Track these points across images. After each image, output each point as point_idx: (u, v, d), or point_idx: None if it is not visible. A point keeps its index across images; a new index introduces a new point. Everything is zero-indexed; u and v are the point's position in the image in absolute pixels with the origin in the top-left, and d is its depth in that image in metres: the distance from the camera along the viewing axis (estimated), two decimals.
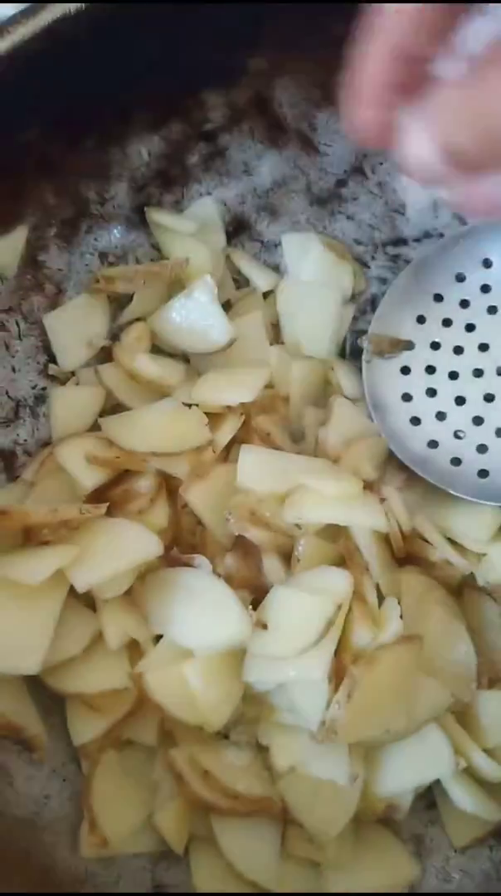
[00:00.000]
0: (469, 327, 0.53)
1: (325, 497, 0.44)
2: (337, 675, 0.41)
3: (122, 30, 0.43)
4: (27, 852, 0.37)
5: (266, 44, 0.48)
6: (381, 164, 0.53)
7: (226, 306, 0.53)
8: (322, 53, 0.48)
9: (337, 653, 0.42)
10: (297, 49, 0.48)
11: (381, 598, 0.44)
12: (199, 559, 0.45)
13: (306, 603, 0.42)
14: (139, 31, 0.43)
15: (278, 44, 0.48)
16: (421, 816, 0.46)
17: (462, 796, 0.43)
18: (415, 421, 0.53)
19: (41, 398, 0.50)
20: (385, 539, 0.47)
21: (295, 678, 0.41)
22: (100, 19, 0.42)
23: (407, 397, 0.53)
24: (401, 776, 0.43)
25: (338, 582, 0.43)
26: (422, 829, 0.45)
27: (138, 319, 0.52)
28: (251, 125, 0.51)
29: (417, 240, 0.56)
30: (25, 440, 0.49)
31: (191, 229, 0.51)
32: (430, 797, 0.46)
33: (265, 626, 0.42)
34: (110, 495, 0.46)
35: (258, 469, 0.46)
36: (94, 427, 0.49)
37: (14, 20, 0.40)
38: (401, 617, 0.43)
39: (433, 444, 0.52)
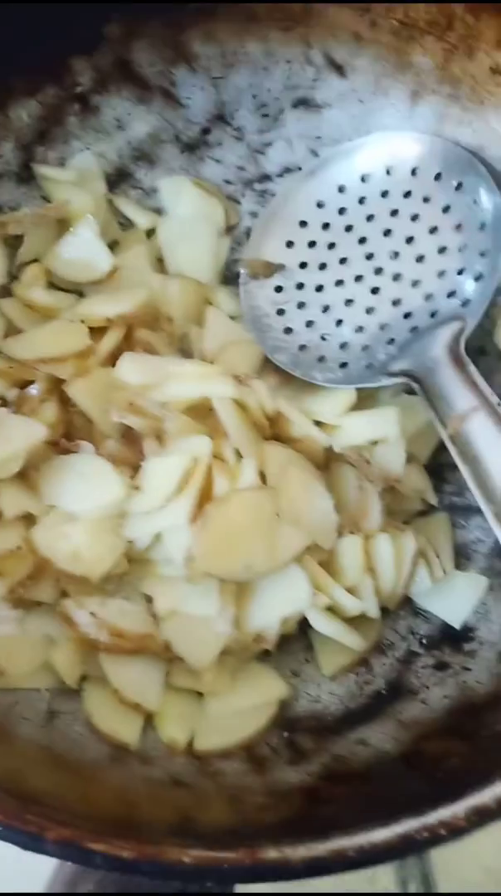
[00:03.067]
0: (331, 245, 0.60)
1: (185, 376, 0.51)
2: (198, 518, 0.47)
3: None
4: None
5: (116, 12, 0.56)
6: (237, 110, 0.61)
7: (114, 246, 0.61)
8: (168, 16, 0.57)
9: (201, 504, 0.48)
10: (144, 14, 0.56)
11: None
12: (84, 444, 0.52)
13: (169, 462, 0.49)
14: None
15: (127, 11, 0.56)
16: (298, 656, 0.51)
17: (328, 625, 0.49)
18: (288, 330, 0.60)
19: None
20: (250, 419, 0.53)
21: (164, 525, 0.48)
22: None
23: (281, 312, 0.60)
24: (267, 609, 0.48)
25: (199, 444, 0.49)
26: (299, 666, 0.51)
27: (34, 261, 0.60)
28: (118, 86, 0.59)
29: (280, 175, 0.63)
30: None
31: (70, 178, 0.59)
32: (307, 641, 0.52)
33: (138, 489, 0.49)
34: (9, 402, 0.54)
35: (135, 367, 0.53)
36: None
37: None
38: (264, 480, 0.50)
39: (302, 347, 0.59)
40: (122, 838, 0.34)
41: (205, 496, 0.48)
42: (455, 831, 0.34)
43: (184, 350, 0.60)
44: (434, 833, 0.34)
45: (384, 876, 0.66)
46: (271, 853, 0.34)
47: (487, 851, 0.69)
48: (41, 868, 0.65)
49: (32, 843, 0.34)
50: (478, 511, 0.52)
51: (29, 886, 0.64)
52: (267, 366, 0.59)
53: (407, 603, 0.53)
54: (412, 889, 0.69)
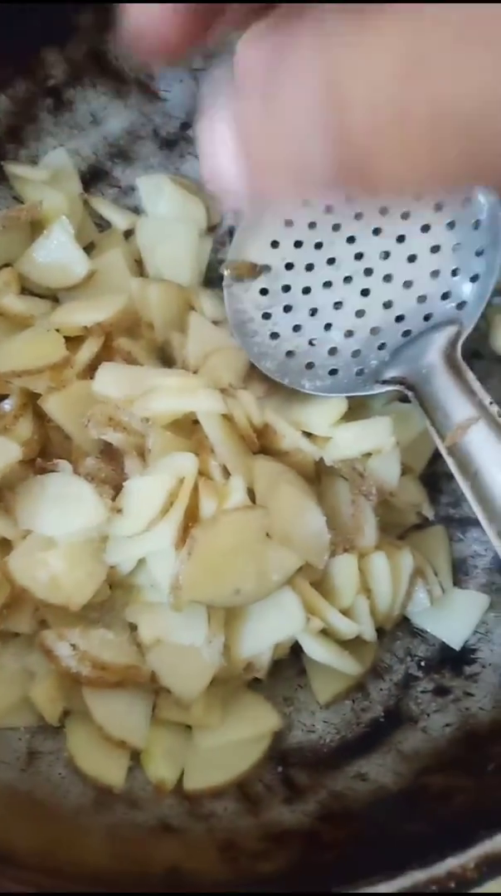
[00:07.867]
0: (318, 245, 0.57)
1: (169, 390, 0.48)
2: (184, 542, 0.44)
3: None
4: None
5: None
6: None
7: (90, 248, 0.58)
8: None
9: (186, 526, 0.45)
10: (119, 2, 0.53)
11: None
12: (61, 464, 0.49)
13: (152, 482, 0.46)
14: None
15: None
16: (292, 682, 0.49)
17: (322, 652, 0.46)
18: (274, 336, 0.57)
19: None
20: (237, 433, 0.50)
21: (148, 550, 0.45)
22: None
23: (266, 315, 0.57)
24: (258, 636, 0.46)
25: (183, 462, 0.46)
26: (292, 692, 0.49)
27: (6, 265, 0.56)
28: (92, 78, 0.56)
29: None
30: None
31: (42, 177, 0.55)
32: (300, 665, 0.49)
33: (120, 511, 0.46)
34: None
35: (114, 379, 0.50)
36: None
37: None
38: (253, 496, 0.47)
39: (290, 353, 0.56)
40: None
41: (191, 517, 0.46)
42: (465, 883, 0.32)
43: (166, 358, 0.57)
44: (443, 886, 0.32)
45: None
46: None
47: None
48: None
49: None
50: (476, 523, 0.50)
51: None
52: (254, 374, 0.56)
53: (404, 622, 0.51)
54: None
